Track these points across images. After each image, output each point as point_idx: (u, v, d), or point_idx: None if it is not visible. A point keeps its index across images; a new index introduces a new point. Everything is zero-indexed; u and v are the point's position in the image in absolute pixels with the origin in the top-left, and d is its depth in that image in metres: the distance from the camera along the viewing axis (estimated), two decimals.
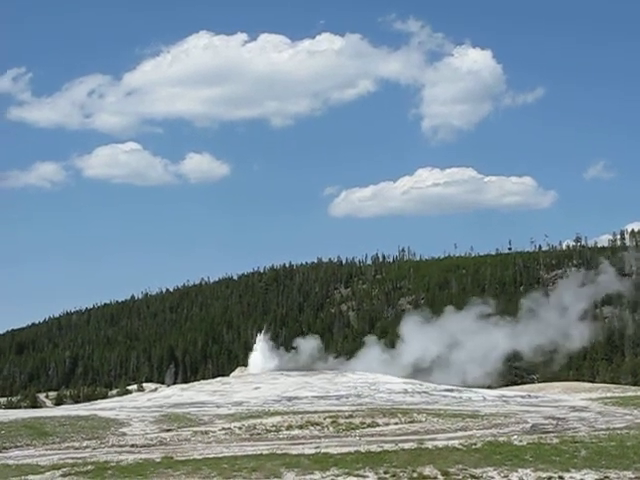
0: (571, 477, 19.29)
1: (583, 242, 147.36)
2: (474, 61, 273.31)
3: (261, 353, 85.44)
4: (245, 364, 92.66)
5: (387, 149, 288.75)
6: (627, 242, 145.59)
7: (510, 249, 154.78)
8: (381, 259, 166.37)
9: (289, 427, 33.76)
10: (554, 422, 35.11)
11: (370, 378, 60.69)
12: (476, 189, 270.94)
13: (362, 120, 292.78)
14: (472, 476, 19.34)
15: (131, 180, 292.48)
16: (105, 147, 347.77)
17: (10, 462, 24.04)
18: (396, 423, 35.07)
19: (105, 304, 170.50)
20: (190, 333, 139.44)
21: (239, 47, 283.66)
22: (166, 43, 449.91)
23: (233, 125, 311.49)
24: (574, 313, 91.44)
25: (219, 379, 67.31)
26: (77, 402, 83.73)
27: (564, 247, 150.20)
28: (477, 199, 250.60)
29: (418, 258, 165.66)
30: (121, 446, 29.30)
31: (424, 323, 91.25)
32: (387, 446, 24.29)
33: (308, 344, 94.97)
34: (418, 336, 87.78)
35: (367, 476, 19.46)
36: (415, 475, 19.40)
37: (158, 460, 22.56)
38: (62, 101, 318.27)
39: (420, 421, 35.42)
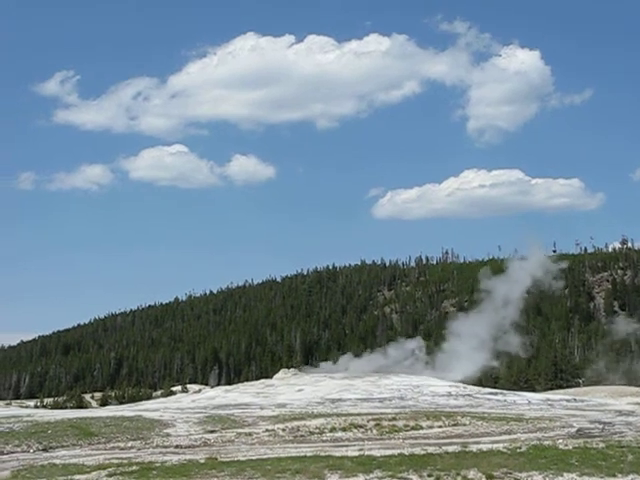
0: None
1: (629, 244, 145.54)
2: (522, 62, 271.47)
3: None
4: (288, 366, 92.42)
5: (432, 150, 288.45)
6: None
7: (554, 251, 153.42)
8: (425, 261, 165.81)
9: (332, 429, 33.74)
10: (600, 426, 34.70)
11: (414, 381, 60.52)
12: (523, 191, 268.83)
13: (407, 121, 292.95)
14: None
15: (177, 182, 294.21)
16: (151, 149, 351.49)
17: (57, 462, 24.32)
18: (440, 426, 34.90)
19: (150, 306, 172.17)
20: (234, 335, 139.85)
21: (285, 49, 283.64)
22: (212, 45, 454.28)
23: (278, 127, 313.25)
24: None
25: (262, 381, 67.53)
26: (122, 403, 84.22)
27: (610, 250, 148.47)
28: (524, 201, 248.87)
29: (462, 260, 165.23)
30: (165, 447, 29.51)
31: None
32: (431, 449, 24.20)
33: None
34: None
35: (411, 479, 19.40)
36: (459, 478, 19.30)
37: (202, 461, 22.71)
38: (108, 104, 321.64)
39: (464, 424, 35.22)
